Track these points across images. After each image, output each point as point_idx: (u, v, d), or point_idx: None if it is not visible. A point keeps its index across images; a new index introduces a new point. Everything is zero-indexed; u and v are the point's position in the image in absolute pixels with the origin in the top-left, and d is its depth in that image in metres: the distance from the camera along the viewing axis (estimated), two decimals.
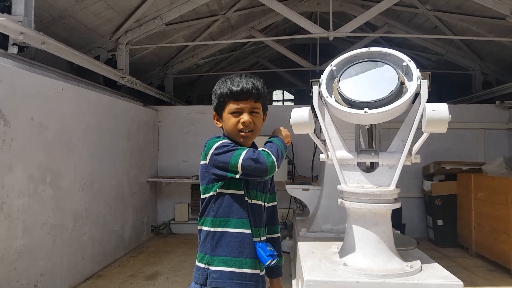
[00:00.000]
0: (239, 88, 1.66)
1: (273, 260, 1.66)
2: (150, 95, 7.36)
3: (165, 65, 8.17)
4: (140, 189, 6.26)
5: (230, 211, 1.67)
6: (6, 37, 3.74)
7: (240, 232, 1.66)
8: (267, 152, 1.61)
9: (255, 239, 1.68)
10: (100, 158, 4.92)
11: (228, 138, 1.73)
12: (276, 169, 1.60)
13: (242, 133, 1.69)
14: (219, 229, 1.68)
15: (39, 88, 3.77)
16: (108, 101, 5.23)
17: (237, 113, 1.68)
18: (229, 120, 1.69)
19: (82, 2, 4.73)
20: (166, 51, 7.66)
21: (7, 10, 3.68)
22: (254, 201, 1.71)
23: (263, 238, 1.74)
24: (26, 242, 3.53)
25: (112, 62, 5.87)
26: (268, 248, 1.67)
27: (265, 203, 1.78)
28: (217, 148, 1.64)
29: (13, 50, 3.82)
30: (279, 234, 1.93)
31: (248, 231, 1.67)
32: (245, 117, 1.67)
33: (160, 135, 7.26)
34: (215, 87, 1.75)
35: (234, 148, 1.62)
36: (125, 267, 5.05)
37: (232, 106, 1.68)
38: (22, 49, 3.94)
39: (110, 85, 5.98)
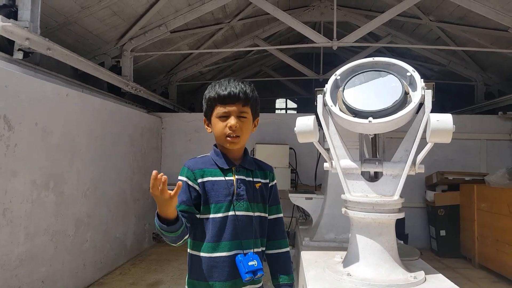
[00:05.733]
0: (226, 92, 1.63)
1: (255, 276, 1.59)
2: (154, 102, 7.39)
3: (169, 72, 8.21)
4: (142, 196, 6.25)
5: (198, 234, 1.63)
6: (11, 42, 3.76)
7: (208, 256, 1.62)
8: None
9: (238, 252, 1.62)
10: (103, 164, 4.92)
11: (217, 144, 1.73)
12: (175, 243, 1.59)
13: (228, 139, 1.65)
14: (190, 251, 1.68)
15: (44, 94, 3.78)
16: (112, 108, 5.25)
17: (224, 117, 1.65)
18: (217, 125, 1.67)
19: (87, 9, 4.78)
20: (171, 58, 7.70)
21: (14, 15, 3.71)
22: (239, 213, 1.65)
23: (251, 250, 1.64)
24: (28, 248, 3.53)
25: (116, 69, 5.91)
26: (250, 264, 1.58)
27: (254, 213, 1.70)
28: None
29: (19, 55, 3.84)
30: (284, 250, 1.80)
31: (218, 254, 1.61)
32: (232, 121, 1.63)
33: (163, 142, 7.27)
34: (205, 92, 1.73)
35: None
36: (127, 274, 5.03)
37: (219, 110, 1.65)
38: (27, 54, 3.96)
39: (114, 91, 6.01)
